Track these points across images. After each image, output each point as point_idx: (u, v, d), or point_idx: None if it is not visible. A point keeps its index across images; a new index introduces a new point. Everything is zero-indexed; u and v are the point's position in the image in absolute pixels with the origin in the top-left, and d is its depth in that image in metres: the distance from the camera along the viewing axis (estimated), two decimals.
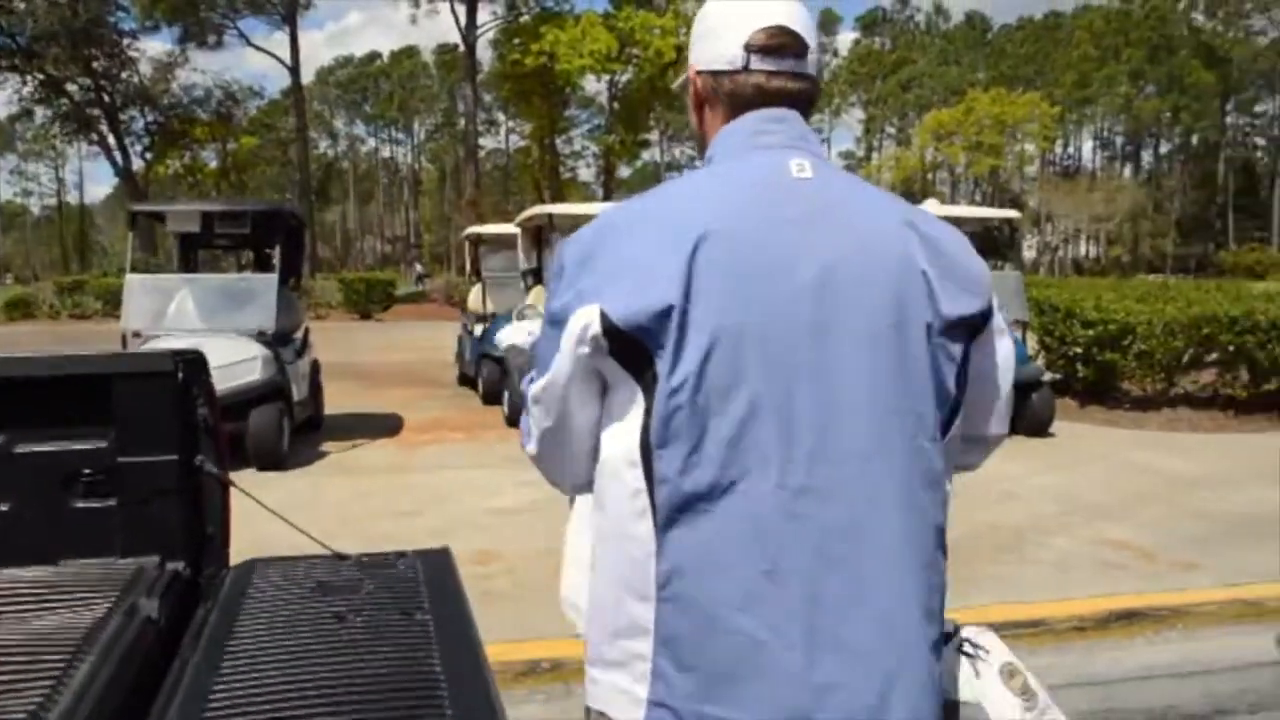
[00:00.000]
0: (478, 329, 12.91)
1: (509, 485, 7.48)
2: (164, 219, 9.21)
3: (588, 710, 1.49)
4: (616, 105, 44.40)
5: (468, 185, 42.28)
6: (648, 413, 1.35)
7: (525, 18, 40.29)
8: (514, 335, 10.19)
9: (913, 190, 65.59)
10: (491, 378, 11.48)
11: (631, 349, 1.34)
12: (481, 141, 73.89)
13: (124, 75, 38.22)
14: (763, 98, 1.50)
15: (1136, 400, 10.78)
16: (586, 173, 66.45)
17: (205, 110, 40.27)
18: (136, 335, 8.29)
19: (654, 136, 66.19)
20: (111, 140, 38.60)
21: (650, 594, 1.36)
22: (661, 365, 1.32)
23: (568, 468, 1.57)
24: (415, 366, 16.11)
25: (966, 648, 1.59)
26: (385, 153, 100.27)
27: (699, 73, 1.56)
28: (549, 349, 1.43)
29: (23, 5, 34.72)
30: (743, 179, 1.44)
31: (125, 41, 38.16)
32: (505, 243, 12.87)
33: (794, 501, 1.32)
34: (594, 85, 47.52)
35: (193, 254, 10.19)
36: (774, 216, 1.38)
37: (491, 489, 7.35)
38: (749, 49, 1.49)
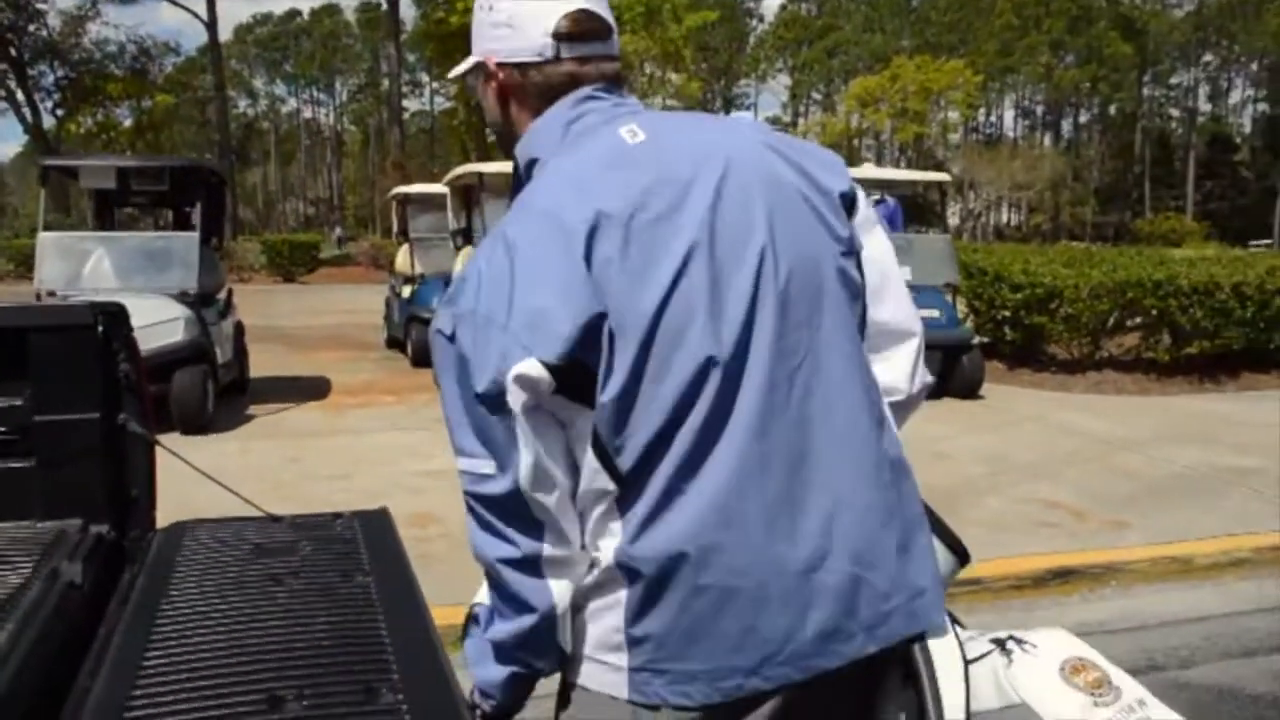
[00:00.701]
0: (405, 290, 12.71)
1: (442, 448, 7.28)
2: (77, 174, 8.84)
3: (565, 683, 1.45)
4: None
5: (392, 147, 41.55)
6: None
7: None
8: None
9: (839, 154, 65.91)
10: (421, 340, 11.29)
11: (579, 377, 1.28)
12: (406, 103, 72.69)
13: (31, 28, 36.81)
14: (577, 83, 1.46)
15: (1063, 363, 10.95)
16: None
17: (119, 66, 38.92)
18: (50, 295, 7.97)
19: None
20: (20, 96, 37.22)
21: (616, 573, 1.35)
22: (599, 376, 1.29)
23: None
24: (342, 330, 15.82)
25: (1010, 645, 1.61)
26: (307, 114, 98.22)
27: (501, 65, 1.48)
28: (494, 433, 1.30)
29: None
30: (592, 162, 1.38)
31: None
32: (434, 203, 12.64)
33: (750, 447, 1.32)
34: None
35: (108, 212, 9.83)
36: (633, 187, 1.34)
37: (425, 452, 7.22)
38: (558, 37, 1.44)
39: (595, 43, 1.47)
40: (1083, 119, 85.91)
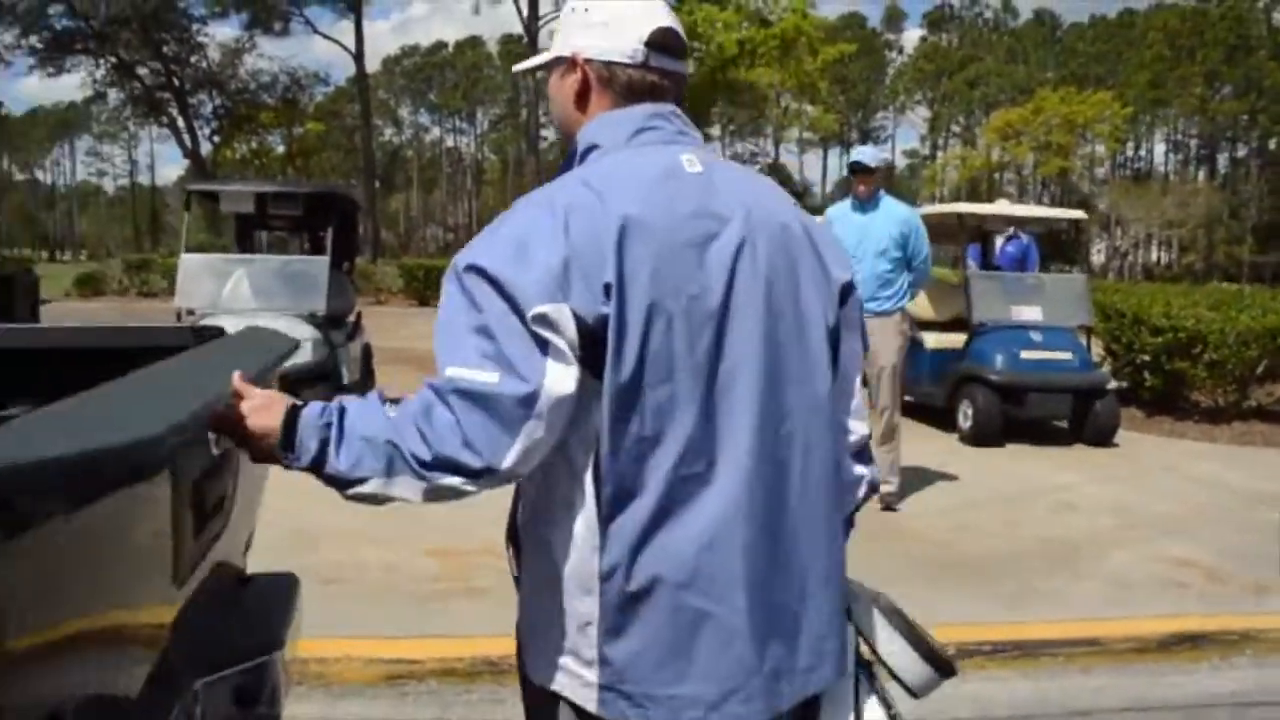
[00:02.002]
0: None
1: None
2: (219, 199, 9.22)
3: (541, 691, 1.53)
4: None
5: (528, 172, 42.34)
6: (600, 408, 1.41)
7: None
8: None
9: (979, 191, 64.64)
10: None
11: (591, 346, 1.38)
12: (545, 133, 74.08)
13: (193, 60, 38.90)
14: (655, 92, 1.61)
15: (1207, 411, 10.40)
16: None
17: (271, 96, 40.77)
18: (190, 314, 8.30)
19: (715, 131, 66.02)
20: (181, 123, 39.23)
21: (594, 587, 1.44)
22: (607, 360, 1.38)
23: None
24: None
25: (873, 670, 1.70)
26: (449, 142, 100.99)
27: (589, 61, 1.60)
28: (519, 350, 1.38)
29: None
30: (646, 171, 1.49)
31: (194, 27, 38.87)
32: None
33: (731, 461, 1.44)
34: None
35: (249, 236, 10.20)
36: (675, 208, 1.45)
37: None
38: (650, 45, 1.59)
39: (677, 59, 1.63)
40: (1240, 153, 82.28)
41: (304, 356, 7.99)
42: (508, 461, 1.38)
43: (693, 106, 40.86)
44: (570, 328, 1.36)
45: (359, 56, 42.73)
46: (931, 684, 1.74)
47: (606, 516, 1.41)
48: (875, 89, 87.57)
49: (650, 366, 1.39)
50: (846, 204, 6.74)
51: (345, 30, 43.79)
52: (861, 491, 1.73)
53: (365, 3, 42.97)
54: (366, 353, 9.95)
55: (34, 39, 37.22)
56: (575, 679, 1.48)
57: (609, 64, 1.59)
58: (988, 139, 69.31)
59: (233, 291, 8.61)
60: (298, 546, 5.14)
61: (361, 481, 1.46)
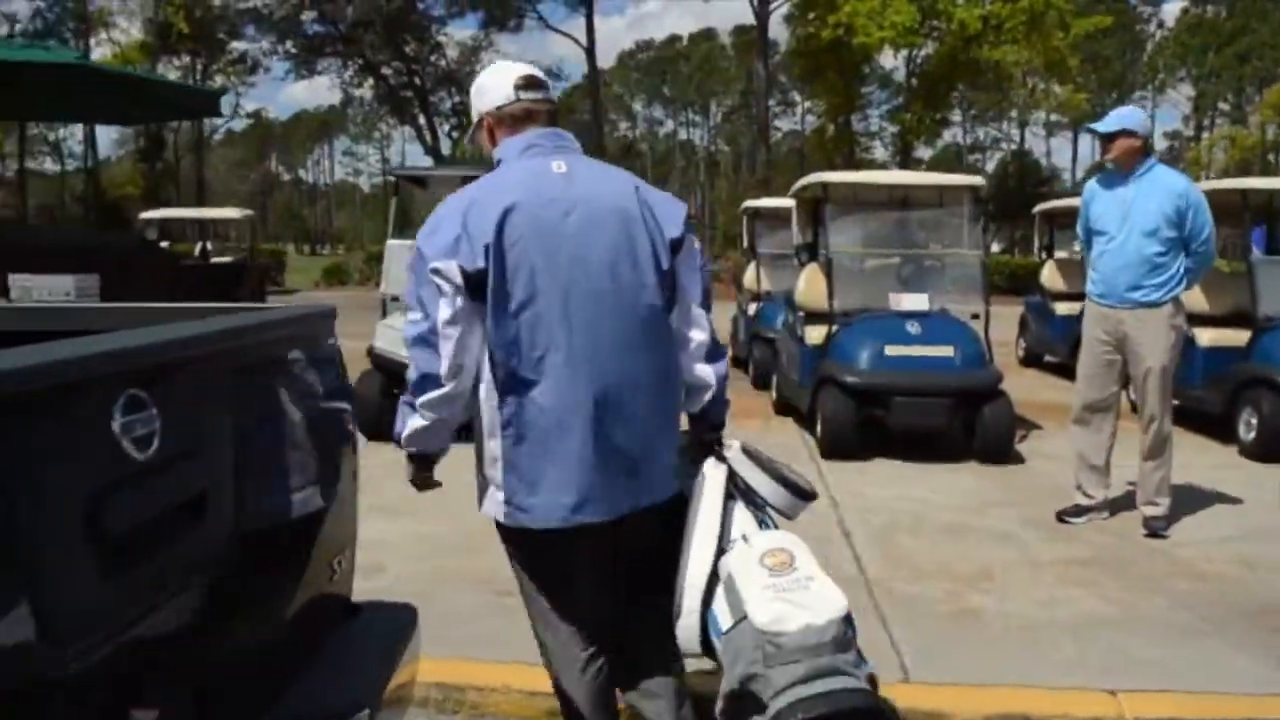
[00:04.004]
0: (751, 309, 12.26)
1: None
2: (425, 184, 9.04)
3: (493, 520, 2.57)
4: (914, 82, 42.36)
5: (759, 164, 41.69)
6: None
7: None
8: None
9: (1250, 171, 59.23)
10: (763, 360, 10.78)
11: (477, 285, 2.38)
12: (778, 123, 73.15)
13: (432, 59, 40.25)
14: (531, 117, 2.61)
15: None
16: (883, 153, 64.25)
17: None
18: (394, 300, 8.14)
19: (956, 116, 63.25)
20: (422, 121, 40.73)
21: (497, 434, 2.46)
22: (490, 294, 2.38)
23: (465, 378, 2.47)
24: None
25: (756, 500, 2.66)
26: (682, 135, 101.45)
27: (486, 114, 2.65)
28: (429, 297, 2.42)
29: None
30: (525, 175, 2.50)
31: (434, 27, 40.24)
32: (783, 218, 12.08)
33: (572, 360, 2.40)
34: (890, 62, 45.61)
35: None
36: (542, 196, 2.45)
37: None
38: (516, 87, 2.62)
39: (538, 91, 2.63)
40: None
41: None
42: (443, 369, 2.41)
43: (930, 91, 39.16)
44: (456, 275, 2.37)
45: (590, 51, 43.11)
46: (796, 507, 2.68)
47: (499, 386, 2.41)
48: (1131, 67, 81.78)
49: (517, 294, 2.37)
50: (1107, 177, 5.78)
51: (579, 26, 44.24)
52: (710, 394, 2.71)
53: None
54: None
55: (289, 44, 39.61)
56: (495, 503, 2.50)
57: (497, 109, 2.62)
58: (1262, 116, 63.40)
59: None
60: (471, 549, 4.72)
61: (399, 440, 2.57)
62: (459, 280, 2.35)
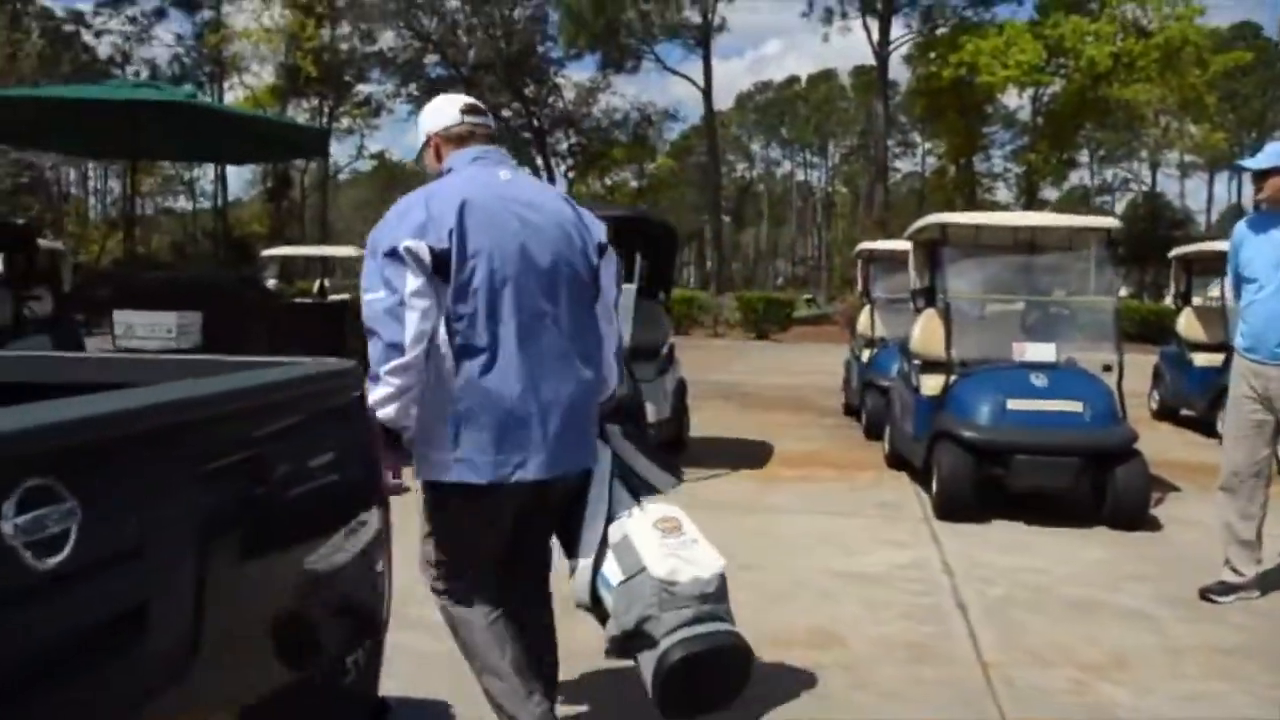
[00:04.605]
0: (864, 355, 11.77)
1: (871, 542, 6.30)
2: None
3: (424, 484, 2.93)
4: (1040, 121, 41.21)
5: (875, 205, 41.00)
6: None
7: (942, 29, 38.38)
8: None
9: None
10: (876, 410, 10.28)
11: (440, 264, 2.74)
12: (897, 165, 71.95)
13: (550, 100, 40.65)
14: (474, 136, 3.07)
15: None
16: (1005, 194, 62.73)
17: (623, 133, 41.87)
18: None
19: (1083, 157, 61.36)
20: (539, 162, 41.14)
21: (448, 404, 2.79)
22: (451, 272, 2.75)
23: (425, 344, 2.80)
24: (800, 391, 15.16)
25: (633, 482, 3.08)
26: (800, 176, 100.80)
27: (435, 134, 3.10)
28: (395, 274, 2.74)
29: (465, 39, 37.84)
30: (477, 178, 2.93)
31: (552, 69, 40.70)
32: (899, 261, 11.58)
33: (518, 335, 2.80)
34: (1014, 101, 44.51)
35: None
36: (494, 195, 2.89)
37: (851, 544, 6.20)
38: (462, 111, 3.10)
39: (480, 116, 3.14)
40: None
41: None
42: (407, 338, 2.73)
43: (1057, 130, 38.06)
44: (424, 253, 2.73)
45: (707, 91, 43.09)
46: (669, 484, 3.20)
47: (454, 355, 2.79)
48: (1273, 105, 78.44)
49: (473, 277, 2.77)
50: (1258, 218, 5.24)
51: (697, 68, 44.35)
52: (610, 389, 3.13)
53: (714, 38, 43.31)
54: (680, 388, 9.23)
55: (412, 87, 40.46)
56: (439, 464, 2.84)
57: (445, 129, 3.09)
58: None
59: None
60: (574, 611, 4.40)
61: (373, 411, 2.73)
62: (427, 259, 2.71)
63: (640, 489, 3.08)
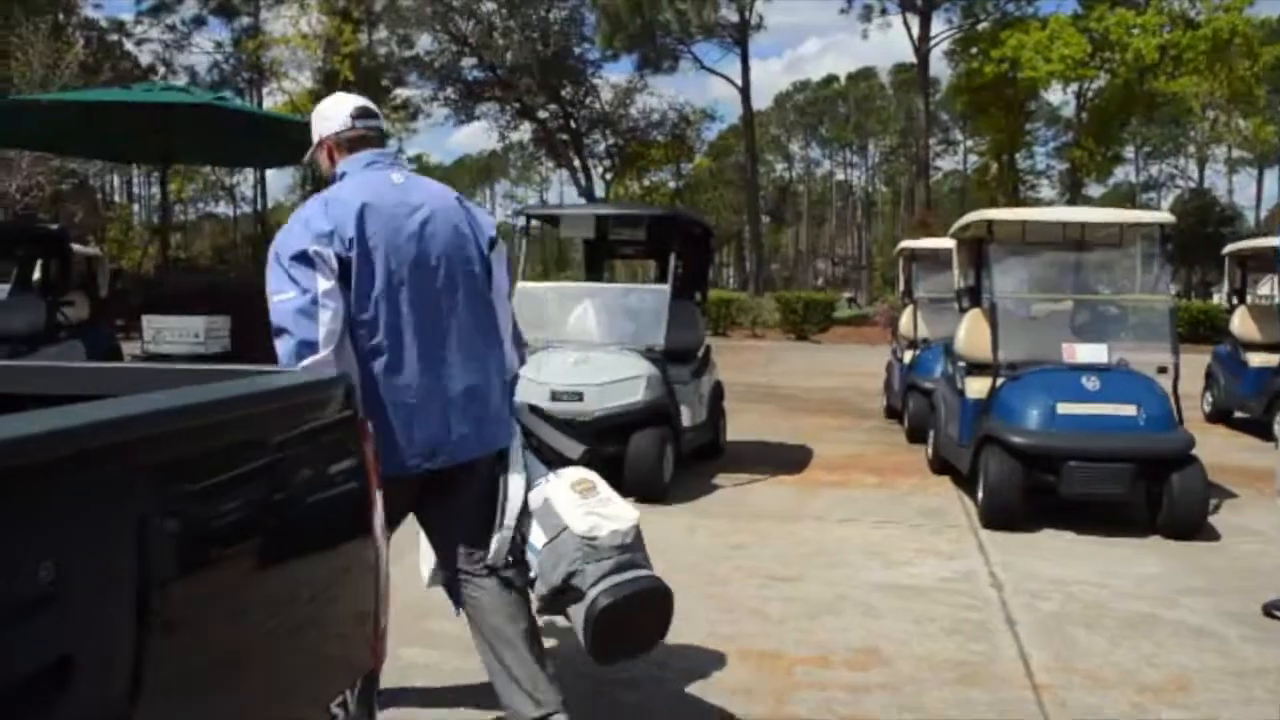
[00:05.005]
0: (907, 356, 11.47)
1: (915, 552, 6.05)
2: (558, 223, 8.69)
3: None
4: (1085, 116, 40.51)
5: (917, 204, 40.50)
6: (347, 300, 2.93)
7: (984, 24, 37.84)
8: None
9: None
10: (919, 412, 9.99)
11: (343, 270, 2.89)
12: (938, 163, 71.13)
13: (587, 102, 40.46)
14: (366, 140, 3.16)
15: None
16: (1049, 191, 61.84)
17: (661, 133, 41.59)
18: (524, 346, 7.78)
19: (1128, 152, 60.36)
20: (576, 163, 41.01)
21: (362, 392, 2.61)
22: (353, 276, 2.91)
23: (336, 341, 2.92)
24: (839, 394, 14.90)
25: (544, 451, 3.34)
26: (839, 175, 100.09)
27: (326, 138, 3.18)
28: (305, 276, 2.87)
29: (501, 41, 37.75)
30: (372, 183, 3.05)
31: (589, 70, 40.53)
32: (942, 260, 11.29)
33: (419, 332, 2.99)
34: (1058, 97, 43.85)
35: (598, 264, 9.65)
36: (389, 200, 3.03)
37: (894, 555, 5.96)
38: (353, 116, 3.17)
39: (371, 119, 3.20)
40: None
41: (635, 395, 7.17)
42: (320, 335, 2.85)
43: (1102, 125, 37.38)
44: (332, 259, 2.87)
45: (745, 91, 42.79)
46: (576, 450, 3.37)
47: (359, 356, 2.92)
48: None
49: (374, 280, 2.93)
50: None
51: (735, 68, 44.08)
52: (514, 370, 3.33)
53: (751, 36, 43.00)
54: (716, 392, 9.01)
55: (449, 91, 40.43)
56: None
57: (336, 134, 3.17)
58: None
59: (568, 322, 8.00)
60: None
61: None
62: (334, 264, 2.87)
63: (552, 459, 3.34)
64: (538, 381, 7.29)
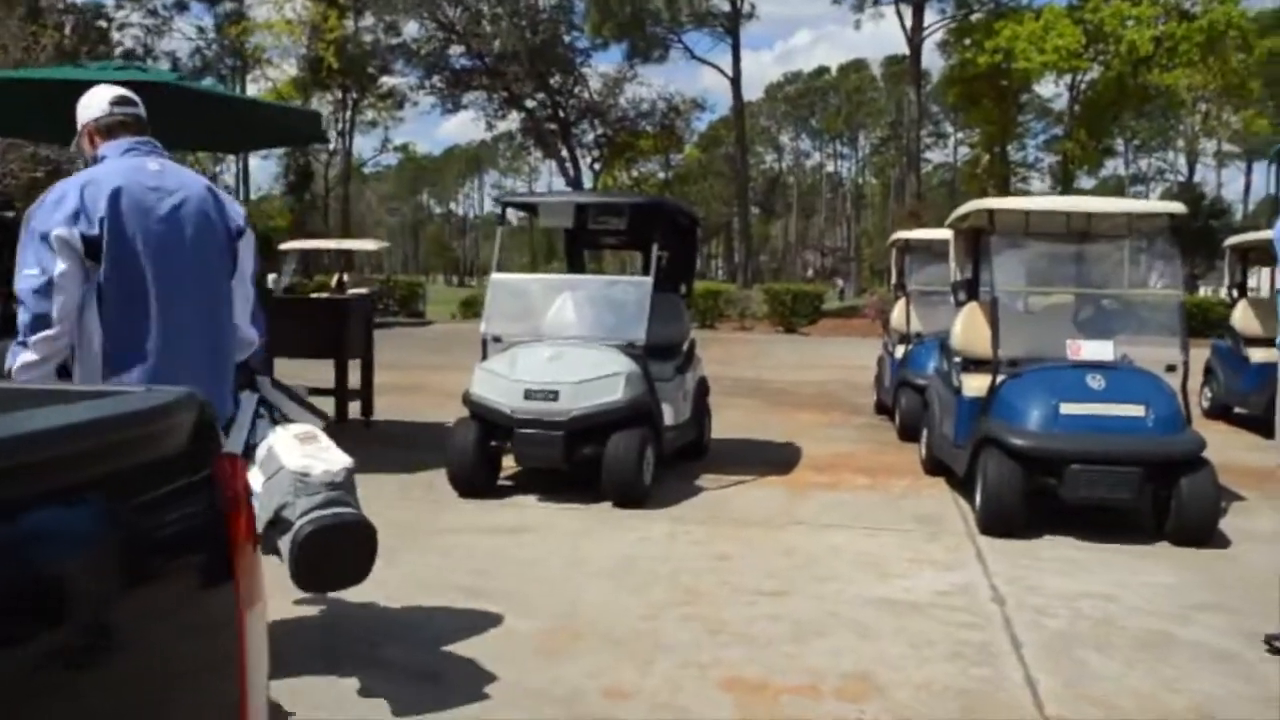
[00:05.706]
0: (899, 351, 11.10)
1: (910, 562, 5.67)
2: (536, 211, 8.29)
3: None
4: (1077, 108, 40.18)
5: (908, 195, 40.15)
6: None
7: (978, 15, 37.46)
8: None
9: None
10: (911, 410, 9.62)
11: (92, 248, 3.13)
12: (928, 156, 70.75)
13: (576, 91, 39.97)
14: (125, 127, 3.39)
15: None
16: (1039, 184, 61.61)
17: (650, 123, 41.09)
18: (496, 340, 7.37)
19: (1119, 145, 60.13)
20: (564, 153, 40.53)
21: (97, 363, 3.22)
22: (103, 254, 3.15)
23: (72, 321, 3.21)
24: (829, 388, 14.53)
25: (277, 417, 3.61)
26: (829, 167, 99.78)
27: (87, 124, 3.41)
28: (46, 257, 3.11)
29: (490, 28, 37.23)
30: (128, 168, 3.28)
31: (578, 59, 40.02)
32: (937, 252, 10.91)
33: (162, 306, 3.25)
34: (1049, 89, 43.52)
35: (579, 256, 9.24)
36: (143, 184, 3.27)
37: (888, 566, 5.58)
38: (111, 104, 3.41)
39: (129, 107, 3.44)
40: None
41: (614, 394, 6.78)
42: (55, 312, 3.09)
43: (1094, 118, 37.06)
44: (76, 240, 3.10)
45: (736, 81, 42.35)
46: (316, 424, 3.62)
47: (105, 327, 3.19)
48: None
49: (123, 256, 3.17)
50: None
51: (726, 59, 43.57)
52: (253, 347, 3.62)
53: (743, 26, 42.61)
54: (701, 388, 8.61)
55: (436, 79, 39.88)
56: None
57: (95, 120, 3.40)
58: None
59: (543, 316, 7.60)
60: (552, 652, 3.83)
61: (10, 374, 3.16)
62: (78, 245, 3.11)
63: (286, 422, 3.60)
64: (511, 379, 6.90)
